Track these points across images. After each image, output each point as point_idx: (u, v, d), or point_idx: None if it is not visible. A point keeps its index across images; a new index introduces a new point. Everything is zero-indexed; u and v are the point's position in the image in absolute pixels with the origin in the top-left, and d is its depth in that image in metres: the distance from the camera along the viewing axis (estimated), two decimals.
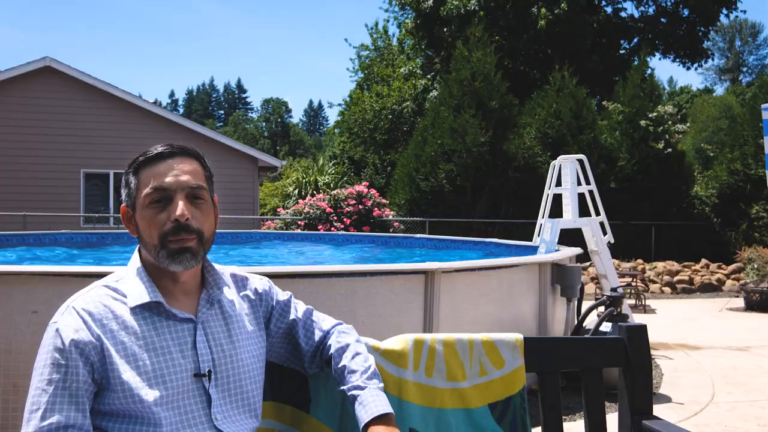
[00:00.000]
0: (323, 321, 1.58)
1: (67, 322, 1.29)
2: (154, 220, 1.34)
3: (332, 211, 12.59)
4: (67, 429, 1.22)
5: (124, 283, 1.38)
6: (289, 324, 1.55)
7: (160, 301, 1.34)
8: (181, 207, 1.33)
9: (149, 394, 1.27)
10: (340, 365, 1.47)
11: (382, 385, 1.45)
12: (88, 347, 1.27)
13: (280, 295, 1.58)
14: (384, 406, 1.38)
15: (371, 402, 1.38)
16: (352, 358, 1.47)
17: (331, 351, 1.50)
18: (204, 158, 1.45)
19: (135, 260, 1.42)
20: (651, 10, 22.91)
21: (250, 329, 1.47)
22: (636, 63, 16.58)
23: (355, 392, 1.42)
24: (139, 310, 1.34)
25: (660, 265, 12.46)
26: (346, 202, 12.68)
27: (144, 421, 1.27)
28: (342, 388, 1.45)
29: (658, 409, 2.49)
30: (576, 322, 5.13)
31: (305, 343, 1.54)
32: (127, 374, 1.27)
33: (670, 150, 14.75)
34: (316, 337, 1.54)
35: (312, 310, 1.60)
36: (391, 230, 13.06)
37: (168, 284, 1.39)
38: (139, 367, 1.28)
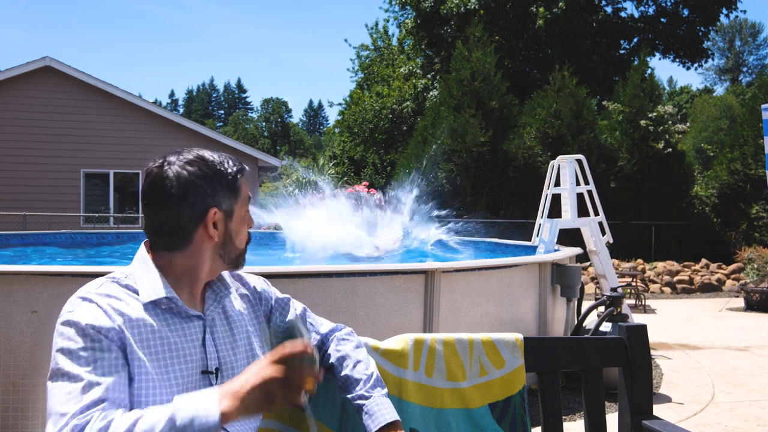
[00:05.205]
0: (321, 325, 1.58)
1: (84, 311, 1.25)
2: (245, 229, 1.43)
3: None
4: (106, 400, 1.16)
5: (134, 279, 1.35)
6: (289, 324, 1.55)
7: (173, 296, 1.34)
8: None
9: (162, 388, 1.26)
10: (342, 375, 1.48)
11: (386, 391, 1.46)
12: (111, 333, 1.23)
13: (278, 293, 1.59)
14: (390, 414, 1.40)
15: (377, 411, 1.40)
16: (354, 366, 1.48)
17: (332, 360, 1.51)
18: None
19: (144, 256, 1.39)
20: (651, 10, 22.92)
21: (251, 329, 1.47)
22: (636, 63, 16.57)
23: (359, 402, 1.43)
24: (151, 306, 1.32)
25: (660, 265, 12.45)
26: None
27: None
28: (346, 396, 1.46)
29: (658, 409, 2.49)
30: (576, 322, 5.13)
31: None
32: (145, 366, 1.25)
33: (670, 150, 14.75)
34: (313, 342, 1.54)
35: (307, 312, 1.60)
36: None
37: (184, 282, 1.37)
38: (153, 360, 1.27)
